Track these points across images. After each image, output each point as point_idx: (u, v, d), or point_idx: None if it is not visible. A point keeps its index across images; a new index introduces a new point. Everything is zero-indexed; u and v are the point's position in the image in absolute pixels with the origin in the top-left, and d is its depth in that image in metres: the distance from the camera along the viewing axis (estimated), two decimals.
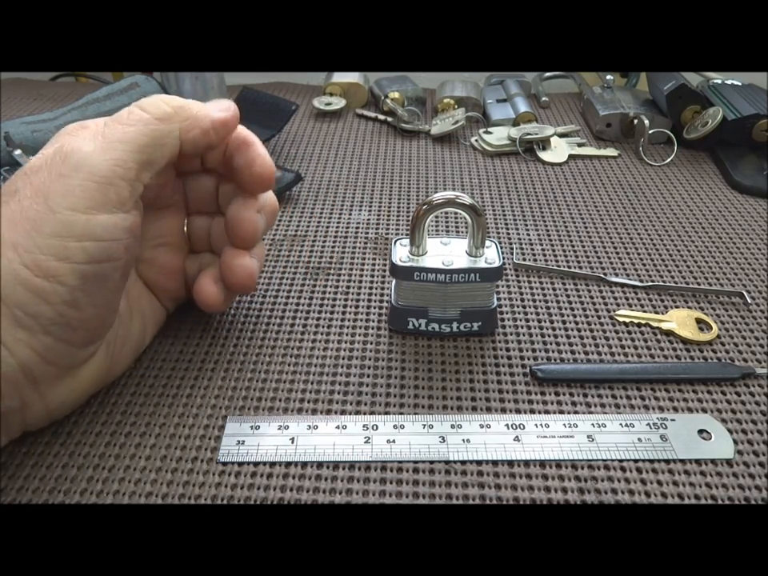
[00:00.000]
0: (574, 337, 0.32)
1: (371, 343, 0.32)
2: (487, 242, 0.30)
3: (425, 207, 0.28)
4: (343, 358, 0.31)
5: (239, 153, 0.27)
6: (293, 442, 0.26)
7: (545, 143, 0.53)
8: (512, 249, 0.40)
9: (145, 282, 0.29)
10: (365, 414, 0.28)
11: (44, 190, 0.22)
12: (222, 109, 0.26)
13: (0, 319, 0.21)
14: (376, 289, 0.36)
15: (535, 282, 0.37)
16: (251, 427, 0.27)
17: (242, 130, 0.28)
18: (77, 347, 0.24)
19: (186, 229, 0.31)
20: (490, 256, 0.30)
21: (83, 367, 0.25)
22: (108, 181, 0.22)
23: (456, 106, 0.59)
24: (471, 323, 0.31)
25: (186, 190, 0.30)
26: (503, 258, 0.30)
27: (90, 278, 0.22)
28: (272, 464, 0.25)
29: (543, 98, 0.63)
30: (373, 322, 0.33)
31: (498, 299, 0.34)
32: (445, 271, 0.29)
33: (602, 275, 0.37)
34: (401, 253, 0.30)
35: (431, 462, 0.25)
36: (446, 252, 0.30)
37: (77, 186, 0.22)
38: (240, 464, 0.25)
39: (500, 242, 0.40)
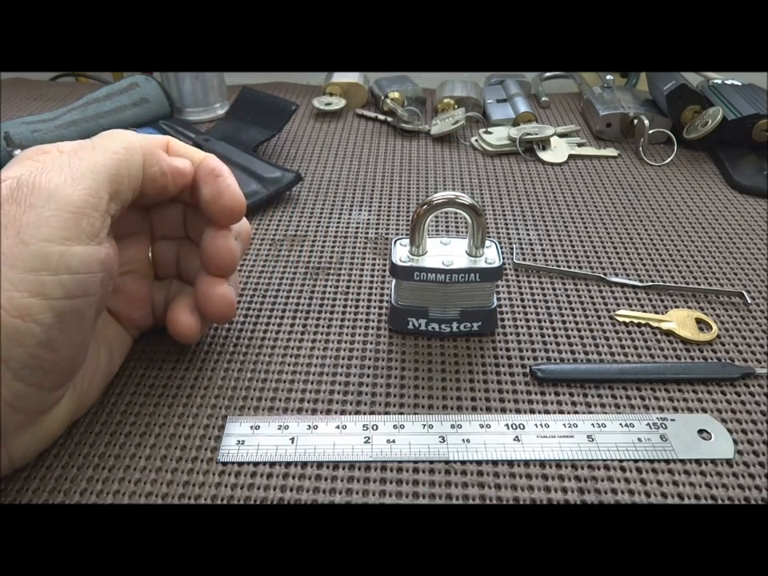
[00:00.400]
0: (574, 337, 0.32)
1: (371, 343, 0.32)
2: (487, 242, 0.30)
3: (425, 207, 0.28)
4: (343, 358, 0.31)
5: (206, 184, 0.26)
6: (293, 442, 0.26)
7: (545, 143, 0.53)
8: (512, 249, 0.40)
9: (110, 311, 0.28)
10: (365, 413, 0.28)
11: (15, 223, 0.20)
12: (180, 161, 0.26)
13: None
14: (376, 289, 0.36)
15: (535, 282, 0.36)
16: (251, 427, 0.27)
17: (212, 160, 0.27)
18: (47, 391, 0.22)
19: (150, 254, 0.30)
20: (490, 256, 0.30)
21: (50, 411, 0.24)
22: (81, 211, 0.21)
23: (456, 106, 0.59)
24: (471, 323, 0.31)
25: (152, 217, 0.29)
26: (503, 258, 0.30)
27: (66, 315, 0.21)
28: (272, 464, 0.25)
29: (543, 98, 0.63)
30: (373, 322, 0.33)
31: (498, 299, 0.34)
32: (445, 271, 0.29)
33: (602, 275, 0.37)
34: (401, 253, 0.30)
35: (431, 462, 0.25)
36: (446, 252, 0.30)
37: (50, 216, 0.21)
38: (240, 464, 0.25)
39: (500, 242, 0.40)
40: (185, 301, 0.28)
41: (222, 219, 0.27)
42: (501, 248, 0.31)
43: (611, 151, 0.53)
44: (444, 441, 0.26)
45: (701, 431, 0.27)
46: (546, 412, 0.28)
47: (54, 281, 0.21)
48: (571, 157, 0.52)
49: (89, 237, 0.22)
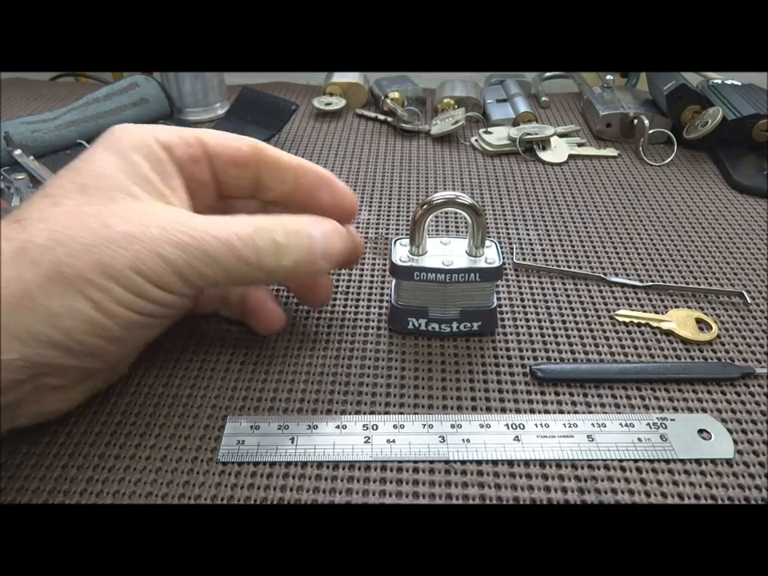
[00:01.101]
0: (574, 337, 0.32)
1: (371, 343, 0.32)
2: (487, 242, 0.30)
3: (425, 207, 0.28)
4: (343, 358, 0.31)
5: (324, 191, 0.29)
6: (293, 442, 0.26)
7: (545, 143, 0.53)
8: (512, 249, 0.40)
9: None
10: (365, 413, 0.28)
11: (141, 258, 0.22)
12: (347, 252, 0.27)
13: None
14: (376, 289, 0.36)
15: (535, 282, 0.36)
16: (251, 427, 0.27)
17: (315, 168, 0.29)
18: (95, 372, 0.25)
19: None
20: (490, 256, 0.30)
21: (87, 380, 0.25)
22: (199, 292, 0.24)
23: (456, 106, 0.59)
24: (471, 323, 0.31)
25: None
26: (503, 258, 0.30)
27: (146, 326, 0.23)
28: (272, 464, 0.25)
29: (543, 98, 0.63)
30: (373, 321, 0.33)
31: (498, 299, 0.34)
32: (445, 271, 0.29)
33: (602, 275, 0.37)
34: (401, 253, 0.30)
35: (431, 462, 0.25)
36: (446, 252, 0.30)
37: (170, 278, 0.22)
38: (240, 464, 0.25)
39: (500, 242, 0.40)
40: (265, 292, 0.30)
41: (343, 218, 0.28)
42: (501, 248, 0.31)
43: (611, 151, 0.53)
44: (444, 441, 0.26)
45: (701, 431, 0.27)
46: (546, 412, 0.28)
47: (145, 304, 0.22)
48: (571, 157, 0.52)
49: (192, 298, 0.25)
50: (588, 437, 0.26)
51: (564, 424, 0.27)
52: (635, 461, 0.25)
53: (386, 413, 0.28)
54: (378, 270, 0.37)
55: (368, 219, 0.43)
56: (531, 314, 0.34)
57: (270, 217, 0.25)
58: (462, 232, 0.42)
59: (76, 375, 0.24)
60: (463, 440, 0.26)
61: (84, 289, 0.21)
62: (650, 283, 0.36)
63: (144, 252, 0.22)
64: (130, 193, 0.23)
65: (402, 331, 0.32)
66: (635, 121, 0.54)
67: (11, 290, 0.20)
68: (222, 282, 0.24)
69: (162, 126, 0.26)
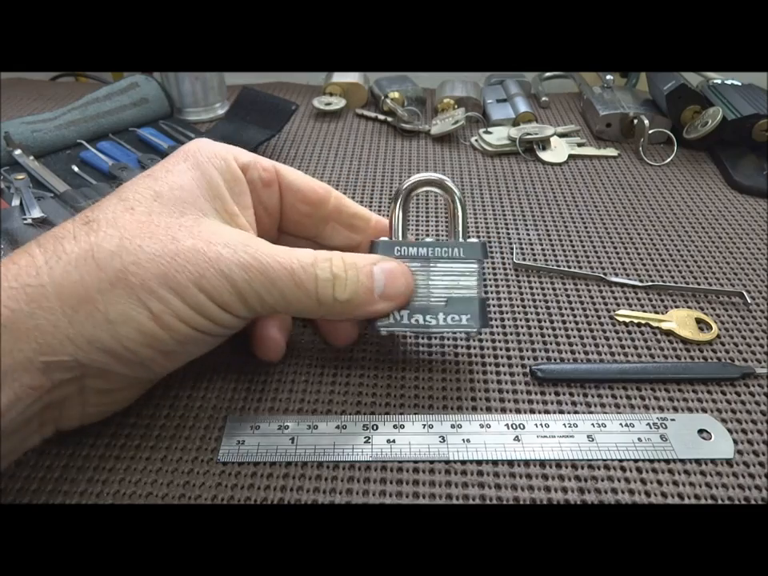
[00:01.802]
0: (574, 337, 0.32)
1: (371, 343, 0.32)
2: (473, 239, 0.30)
3: (398, 193, 0.28)
4: (343, 359, 0.31)
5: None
6: (293, 442, 0.26)
7: (545, 143, 0.53)
8: (512, 249, 0.40)
9: None
10: (365, 413, 0.28)
11: (205, 275, 0.22)
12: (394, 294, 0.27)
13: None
14: None
15: (535, 282, 0.36)
16: (251, 427, 0.27)
17: (385, 223, 0.30)
18: (140, 381, 0.25)
19: None
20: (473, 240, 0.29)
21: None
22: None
23: (456, 106, 0.59)
24: (459, 315, 0.28)
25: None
26: (502, 258, 0.30)
27: (199, 342, 0.24)
28: (272, 464, 0.25)
29: (543, 98, 0.63)
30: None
31: (498, 299, 0.34)
32: (427, 244, 0.28)
33: (602, 275, 0.37)
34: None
35: (431, 462, 0.25)
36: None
37: (231, 298, 0.23)
38: (240, 464, 0.25)
39: (500, 242, 0.40)
40: (276, 320, 0.29)
41: None
42: (501, 248, 0.31)
43: (611, 151, 0.53)
44: (444, 441, 0.26)
45: (701, 431, 0.27)
46: (546, 412, 0.28)
47: (203, 321, 0.23)
48: (571, 157, 0.52)
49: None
50: (588, 437, 0.26)
51: (564, 424, 0.27)
52: (635, 461, 0.25)
53: (386, 413, 0.28)
54: None
55: None
56: (531, 314, 0.34)
57: (333, 251, 0.26)
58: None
59: (122, 381, 0.24)
60: (463, 440, 0.26)
61: (145, 299, 0.21)
62: (650, 283, 0.36)
63: (209, 269, 0.22)
64: (201, 209, 0.24)
65: (381, 326, 0.28)
66: (635, 121, 0.54)
67: (72, 293, 0.20)
68: (279, 309, 0.24)
69: (239, 149, 0.27)
